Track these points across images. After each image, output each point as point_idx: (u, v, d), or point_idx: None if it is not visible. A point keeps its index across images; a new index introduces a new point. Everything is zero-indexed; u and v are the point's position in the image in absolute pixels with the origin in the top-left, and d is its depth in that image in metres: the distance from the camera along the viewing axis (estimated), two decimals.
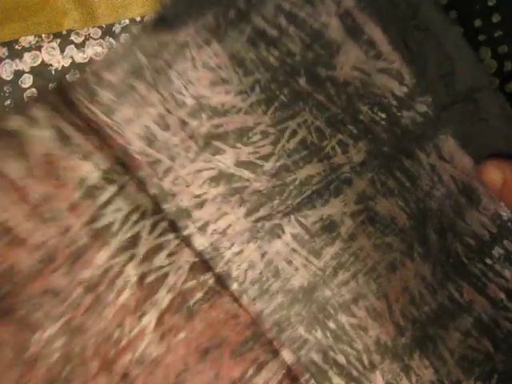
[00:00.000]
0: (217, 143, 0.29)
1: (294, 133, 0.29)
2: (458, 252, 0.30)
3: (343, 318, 0.30)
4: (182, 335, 0.30)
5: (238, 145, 0.29)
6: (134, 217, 0.29)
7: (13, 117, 0.28)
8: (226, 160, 0.29)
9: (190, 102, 0.29)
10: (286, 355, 0.30)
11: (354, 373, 0.30)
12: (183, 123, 0.29)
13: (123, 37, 0.33)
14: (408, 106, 0.29)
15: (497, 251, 0.30)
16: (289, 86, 0.29)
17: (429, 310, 0.30)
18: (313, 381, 0.30)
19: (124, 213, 0.29)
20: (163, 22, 0.28)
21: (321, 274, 0.30)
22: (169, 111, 0.29)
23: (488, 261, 0.30)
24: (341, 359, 0.30)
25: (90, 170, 0.28)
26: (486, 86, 0.29)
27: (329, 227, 0.29)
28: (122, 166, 0.29)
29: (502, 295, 0.30)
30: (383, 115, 0.29)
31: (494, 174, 0.28)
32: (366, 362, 0.30)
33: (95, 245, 0.29)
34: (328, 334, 0.30)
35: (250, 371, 0.30)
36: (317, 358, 0.30)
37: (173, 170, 0.29)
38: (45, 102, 0.28)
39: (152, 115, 0.29)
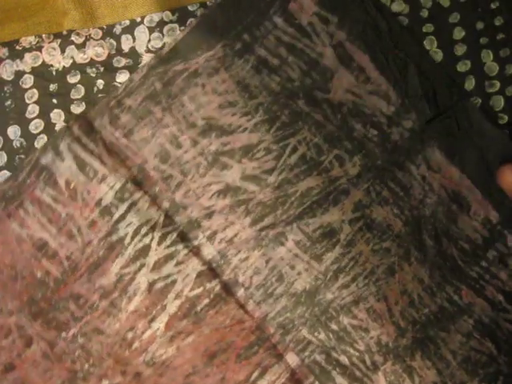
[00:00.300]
0: (224, 159, 0.32)
1: (294, 149, 0.32)
2: (453, 256, 0.31)
3: (345, 320, 0.30)
4: (190, 339, 0.31)
5: (244, 160, 0.32)
6: (144, 230, 0.31)
7: (46, 154, 0.32)
8: (233, 174, 0.32)
9: (200, 123, 0.32)
10: (290, 359, 0.30)
11: (357, 373, 0.30)
12: (194, 142, 0.32)
13: (124, 37, 0.33)
14: (396, 123, 0.32)
15: (491, 254, 0.31)
16: (289, 108, 0.32)
17: (428, 312, 0.31)
18: (317, 383, 0.30)
19: (134, 227, 0.31)
20: (177, 53, 0.32)
21: (322, 277, 0.31)
22: (181, 131, 0.32)
23: (484, 263, 0.31)
24: (344, 360, 0.30)
25: (105, 191, 0.32)
26: (463, 98, 0.32)
27: (329, 234, 0.31)
28: (134, 184, 0.32)
29: (500, 297, 0.31)
30: (375, 132, 0.32)
31: (509, 177, 0.30)
32: (368, 362, 0.30)
33: (110, 256, 0.31)
34: (331, 336, 0.30)
35: (255, 374, 0.30)
36: (320, 359, 0.30)
37: (184, 184, 0.32)
38: (68, 135, 0.32)
39: (166, 135, 0.32)
